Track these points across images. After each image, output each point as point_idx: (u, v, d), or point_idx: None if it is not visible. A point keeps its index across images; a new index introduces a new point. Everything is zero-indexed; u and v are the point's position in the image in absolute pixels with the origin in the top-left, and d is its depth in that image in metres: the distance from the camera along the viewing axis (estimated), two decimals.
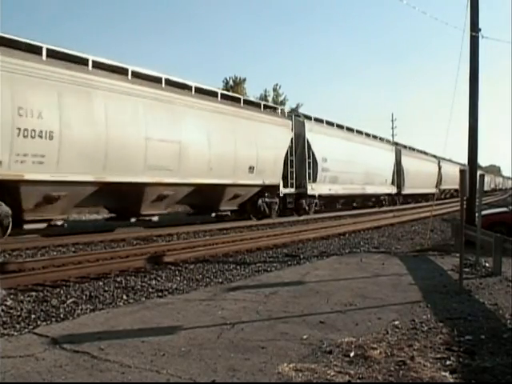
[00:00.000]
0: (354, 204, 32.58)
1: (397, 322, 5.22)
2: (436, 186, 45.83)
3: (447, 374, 3.78)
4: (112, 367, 3.92)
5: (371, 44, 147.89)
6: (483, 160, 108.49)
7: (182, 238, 14.65)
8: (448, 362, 4.02)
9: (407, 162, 39.28)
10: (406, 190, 39.14)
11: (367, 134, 33.35)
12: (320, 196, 25.16)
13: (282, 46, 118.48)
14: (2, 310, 5.97)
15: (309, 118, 25.72)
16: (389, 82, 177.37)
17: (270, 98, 54.09)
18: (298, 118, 24.21)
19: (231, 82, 52.99)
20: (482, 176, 10.23)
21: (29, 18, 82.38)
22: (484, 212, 11.71)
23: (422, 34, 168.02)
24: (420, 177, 41.32)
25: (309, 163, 23.86)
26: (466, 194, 7.73)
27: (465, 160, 14.39)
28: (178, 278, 8.22)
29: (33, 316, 5.75)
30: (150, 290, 7.31)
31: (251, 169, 19.37)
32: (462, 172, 7.77)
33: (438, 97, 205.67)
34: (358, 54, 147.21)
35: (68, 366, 3.93)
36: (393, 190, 36.82)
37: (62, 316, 5.77)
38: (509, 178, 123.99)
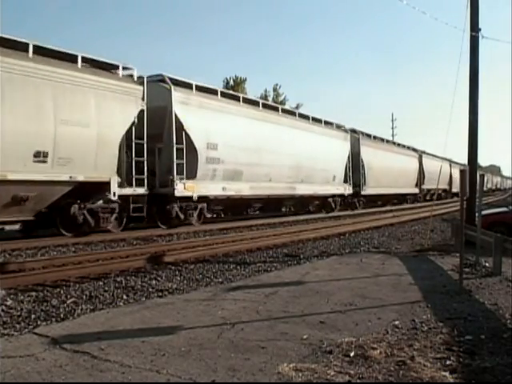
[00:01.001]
0: (283, 209, 26.04)
1: (397, 322, 5.22)
2: (416, 185, 41.69)
3: (447, 373, 3.78)
4: (112, 367, 3.92)
5: (371, 44, 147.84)
6: (483, 160, 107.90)
7: (181, 238, 14.65)
8: (448, 362, 4.02)
9: (369, 154, 31.47)
10: (369, 190, 31.51)
11: (303, 116, 25.58)
12: (208, 199, 18.40)
13: (283, 47, 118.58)
14: (2, 310, 5.96)
15: (185, 85, 17.67)
16: (389, 82, 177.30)
17: (270, 98, 54.16)
18: (158, 84, 16.81)
19: (231, 82, 53.03)
20: (482, 176, 10.24)
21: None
22: (484, 212, 11.71)
23: (422, 34, 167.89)
24: (390, 174, 34.10)
25: (178, 150, 16.67)
26: (466, 194, 7.73)
27: (465, 160, 14.39)
28: (178, 278, 8.22)
29: (33, 316, 5.74)
30: (150, 289, 7.31)
31: (41, 156, 12.57)
32: (462, 172, 7.77)
33: (439, 97, 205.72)
34: (358, 54, 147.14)
35: (68, 366, 3.93)
36: (347, 189, 28.97)
37: (62, 316, 5.77)
38: (507, 178, 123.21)
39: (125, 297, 6.83)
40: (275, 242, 13.14)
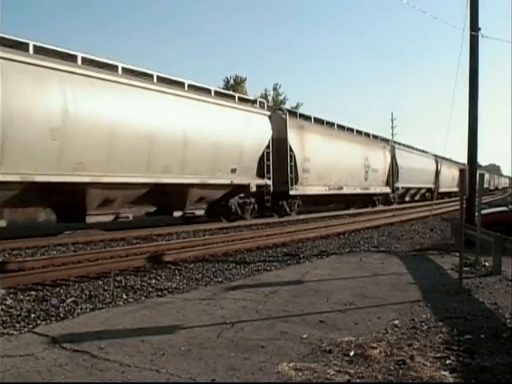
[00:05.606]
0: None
1: (396, 322, 5.22)
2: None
3: (447, 373, 3.78)
4: (112, 366, 3.92)
5: (371, 43, 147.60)
6: (483, 159, 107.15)
7: (181, 237, 14.65)
8: (448, 362, 4.01)
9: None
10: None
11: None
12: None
13: (283, 46, 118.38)
14: (2, 310, 5.97)
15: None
16: (389, 81, 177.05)
17: (270, 98, 54.22)
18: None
19: (232, 82, 53.05)
20: (482, 175, 10.24)
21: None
22: (484, 211, 11.70)
23: (422, 34, 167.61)
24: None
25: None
26: (466, 194, 7.73)
27: (464, 159, 14.40)
28: (178, 278, 8.22)
29: (32, 315, 5.74)
30: (150, 289, 7.31)
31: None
32: (461, 171, 7.77)
33: (439, 97, 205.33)
34: (358, 53, 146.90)
35: (68, 366, 3.93)
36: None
37: (61, 315, 5.77)
38: (502, 177, 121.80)
39: (124, 296, 6.83)
40: (275, 241, 13.13)
